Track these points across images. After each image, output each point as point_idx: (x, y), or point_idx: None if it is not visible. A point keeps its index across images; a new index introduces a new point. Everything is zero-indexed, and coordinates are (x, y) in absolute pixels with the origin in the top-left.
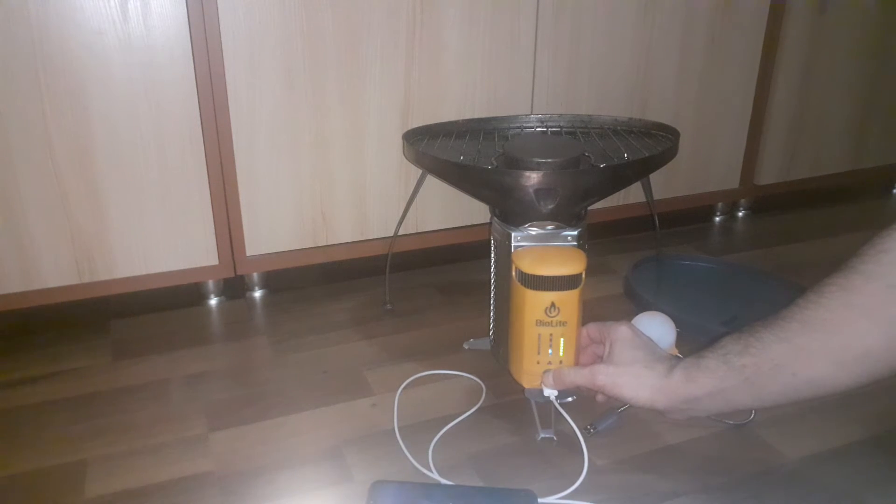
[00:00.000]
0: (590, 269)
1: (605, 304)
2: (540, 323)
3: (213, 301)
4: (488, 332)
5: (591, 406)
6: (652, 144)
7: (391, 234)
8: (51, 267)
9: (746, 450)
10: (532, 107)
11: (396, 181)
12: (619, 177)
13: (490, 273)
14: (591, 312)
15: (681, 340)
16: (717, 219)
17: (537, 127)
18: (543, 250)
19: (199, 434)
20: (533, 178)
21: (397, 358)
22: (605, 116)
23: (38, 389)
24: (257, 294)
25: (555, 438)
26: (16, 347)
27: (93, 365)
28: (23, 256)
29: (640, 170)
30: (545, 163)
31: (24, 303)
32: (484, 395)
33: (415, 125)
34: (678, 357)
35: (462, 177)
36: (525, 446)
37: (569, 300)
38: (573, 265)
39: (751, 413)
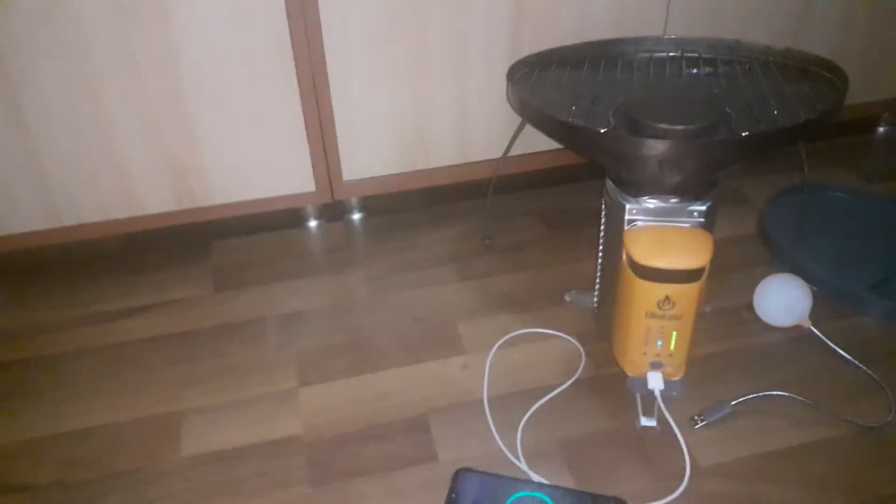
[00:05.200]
0: (720, 198)
1: (733, 249)
2: (650, 315)
3: (313, 223)
4: (593, 288)
5: (702, 396)
6: (810, 93)
7: (496, 157)
8: (149, 193)
9: (881, 459)
10: (665, 27)
11: (502, 102)
12: (765, 146)
13: (599, 229)
14: (716, 261)
15: (819, 307)
16: (882, 129)
17: (670, 52)
18: (662, 232)
19: (290, 388)
20: (657, 147)
21: (493, 308)
22: (757, 44)
23: (141, 322)
24: (356, 217)
25: (657, 428)
26: (122, 272)
27: (194, 296)
28: (122, 184)
29: (793, 137)
30: (674, 130)
31: (127, 228)
32: (583, 363)
33: (527, 40)
34: None
35: (570, 139)
36: (622, 435)
37: (687, 294)
38: (696, 256)
39: (891, 410)
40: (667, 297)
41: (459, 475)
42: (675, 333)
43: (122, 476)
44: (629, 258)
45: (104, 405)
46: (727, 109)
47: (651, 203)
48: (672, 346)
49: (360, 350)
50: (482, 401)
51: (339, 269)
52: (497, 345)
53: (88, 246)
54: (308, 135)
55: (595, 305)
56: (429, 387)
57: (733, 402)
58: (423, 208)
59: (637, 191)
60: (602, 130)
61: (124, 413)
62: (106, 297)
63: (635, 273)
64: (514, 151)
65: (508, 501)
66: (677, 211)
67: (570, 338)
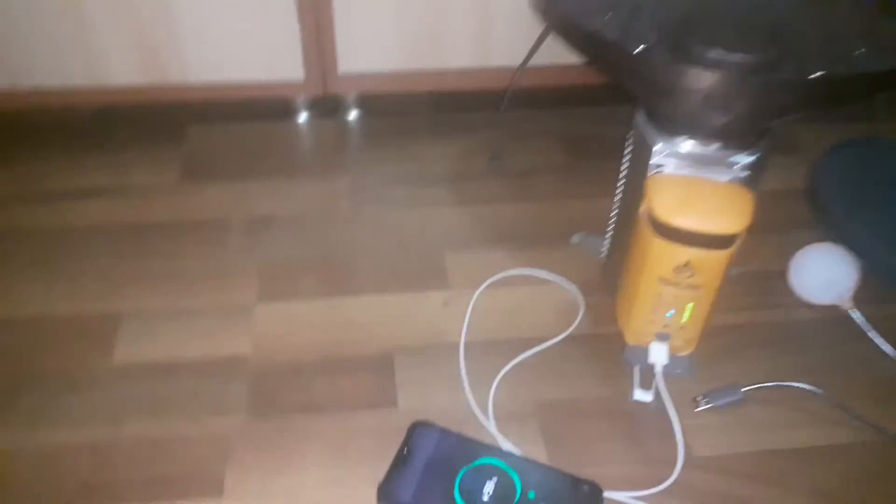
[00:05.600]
0: (771, 149)
1: (777, 207)
2: (664, 281)
3: (302, 117)
4: (604, 233)
5: (710, 375)
6: None
7: (516, 64)
8: (117, 62)
9: None
10: None
11: None
12: (840, 94)
13: (621, 166)
14: (758, 219)
15: (865, 288)
16: None
17: None
18: (693, 184)
19: (245, 303)
20: (703, 79)
21: (489, 240)
22: None
23: (94, 206)
24: (351, 116)
25: (652, 404)
26: (82, 149)
27: (158, 183)
28: (85, 47)
29: (878, 87)
30: (727, 60)
31: (92, 100)
32: (580, 317)
33: None
34: None
35: (597, 54)
36: (611, 406)
37: (712, 263)
38: (731, 219)
39: None
40: (687, 264)
41: (416, 429)
42: (690, 305)
43: (41, 377)
44: (649, 211)
45: (37, 295)
46: (799, 41)
47: (686, 146)
48: (684, 319)
49: (330, 269)
50: (458, 345)
51: (324, 174)
52: (486, 283)
53: (48, 115)
54: (299, 14)
55: (603, 253)
56: (401, 322)
57: (745, 388)
58: (427, 115)
59: (671, 129)
60: (636, 50)
61: (58, 307)
62: (59, 174)
63: (654, 230)
64: (539, 61)
65: (467, 467)
66: (716, 160)
67: (570, 286)
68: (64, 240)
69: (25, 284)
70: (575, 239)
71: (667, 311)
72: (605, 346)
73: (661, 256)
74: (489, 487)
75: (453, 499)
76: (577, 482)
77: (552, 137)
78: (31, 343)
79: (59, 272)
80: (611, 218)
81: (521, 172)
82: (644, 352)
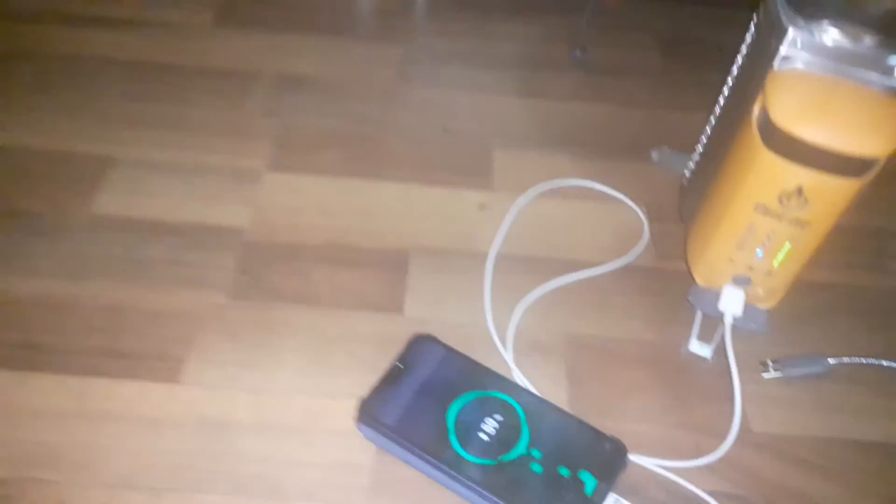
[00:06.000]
0: None
1: None
2: (763, 210)
3: None
4: (693, 150)
5: (790, 338)
6: None
7: None
8: None
9: None
10: None
11: None
12: None
13: (731, 69)
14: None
15: None
16: None
17: None
18: (828, 85)
19: (253, 168)
20: None
21: (550, 142)
22: None
23: (109, 38)
24: None
25: (710, 361)
26: None
27: (189, 23)
28: None
29: None
30: None
31: None
32: (642, 245)
33: None
34: None
35: None
36: (659, 354)
37: (834, 193)
38: (875, 138)
39: None
40: (799, 190)
41: (418, 343)
42: (787, 245)
43: (10, 214)
44: (763, 113)
45: (27, 123)
46: None
47: (829, 37)
48: (776, 262)
49: (357, 146)
50: (487, 255)
51: (375, 39)
52: (536, 189)
53: None
54: None
55: (687, 175)
56: (426, 219)
57: (833, 360)
58: None
59: (813, 12)
60: None
61: (47, 140)
62: None
63: (764, 139)
64: None
65: (468, 397)
66: (868, 59)
67: (637, 208)
68: (71, 68)
69: (20, 112)
70: (655, 155)
71: (756, 248)
72: (665, 285)
73: (767, 176)
74: (490, 426)
75: (445, 431)
76: (598, 437)
77: (649, 35)
78: (8, 174)
79: (56, 102)
80: (705, 131)
81: (606, 70)
82: (714, 296)
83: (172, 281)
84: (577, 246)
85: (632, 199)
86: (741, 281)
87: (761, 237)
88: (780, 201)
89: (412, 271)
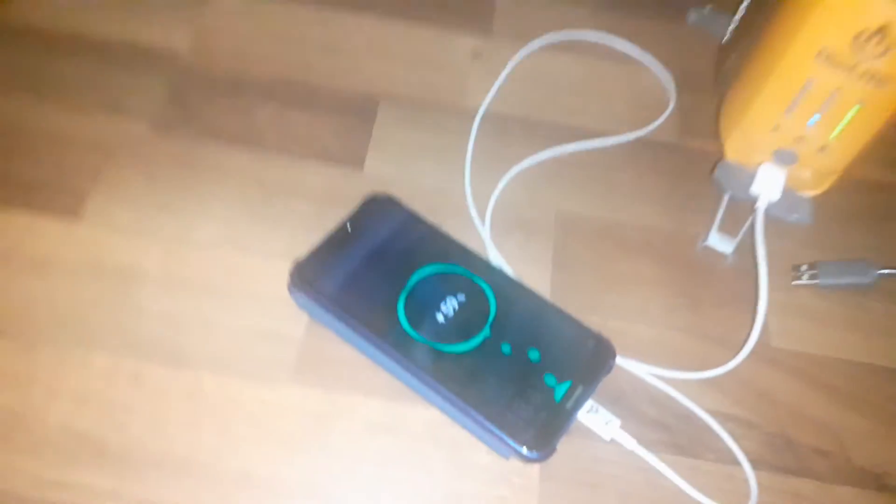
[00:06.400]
0: None
1: None
2: (828, 58)
3: None
4: (737, 9)
5: (832, 243)
6: None
7: None
8: None
9: None
10: None
11: None
12: None
13: None
14: None
15: None
16: None
17: None
18: None
19: None
20: None
21: None
22: None
23: None
24: None
25: (729, 259)
26: None
27: None
28: None
29: None
30: None
31: None
32: (665, 115)
33: None
34: None
35: None
36: (670, 245)
37: None
38: None
39: None
40: (881, 30)
41: (374, 202)
42: (855, 108)
43: None
44: None
45: None
46: None
47: None
48: (834, 134)
49: None
50: (475, 112)
51: None
52: (544, 39)
53: None
54: None
55: (728, 37)
56: (405, 63)
57: (880, 271)
58: None
59: None
60: None
61: None
62: None
63: None
64: None
65: (426, 271)
66: None
67: (663, 72)
68: None
69: None
70: (694, 15)
71: (813, 112)
72: (686, 167)
73: (839, 8)
74: (450, 306)
75: (394, 306)
76: (580, 331)
77: None
78: None
79: None
80: None
81: None
82: (748, 175)
83: (90, 103)
84: (584, 110)
85: (661, 62)
86: (784, 157)
87: (821, 97)
88: (854, 46)
89: (381, 121)
